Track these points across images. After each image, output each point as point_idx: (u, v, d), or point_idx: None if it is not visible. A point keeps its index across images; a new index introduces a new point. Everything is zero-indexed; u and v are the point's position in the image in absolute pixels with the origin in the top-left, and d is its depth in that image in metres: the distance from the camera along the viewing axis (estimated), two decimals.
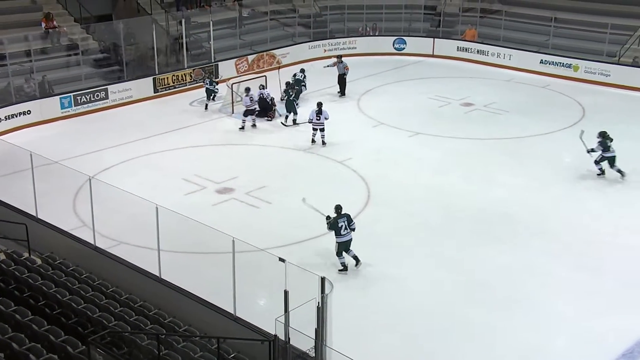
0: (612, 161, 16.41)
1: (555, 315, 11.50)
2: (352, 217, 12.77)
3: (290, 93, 20.89)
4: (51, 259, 11.82)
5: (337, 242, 12.62)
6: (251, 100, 20.20)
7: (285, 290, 9.01)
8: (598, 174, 16.64)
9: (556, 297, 12.05)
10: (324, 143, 18.80)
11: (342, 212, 12.62)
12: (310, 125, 18.86)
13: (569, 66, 24.88)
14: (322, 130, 18.75)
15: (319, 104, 18.73)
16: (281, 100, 21.65)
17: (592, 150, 16.45)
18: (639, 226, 14.50)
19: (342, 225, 12.54)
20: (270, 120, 20.92)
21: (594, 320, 11.43)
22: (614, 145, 16.34)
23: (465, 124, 20.60)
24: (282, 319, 9.04)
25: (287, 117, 20.68)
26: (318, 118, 18.63)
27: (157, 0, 26.01)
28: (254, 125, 20.25)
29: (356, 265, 12.77)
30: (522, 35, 26.98)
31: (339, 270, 12.71)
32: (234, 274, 9.96)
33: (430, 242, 13.94)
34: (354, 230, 12.67)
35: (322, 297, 8.84)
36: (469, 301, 11.94)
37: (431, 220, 14.81)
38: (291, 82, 21.84)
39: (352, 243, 12.67)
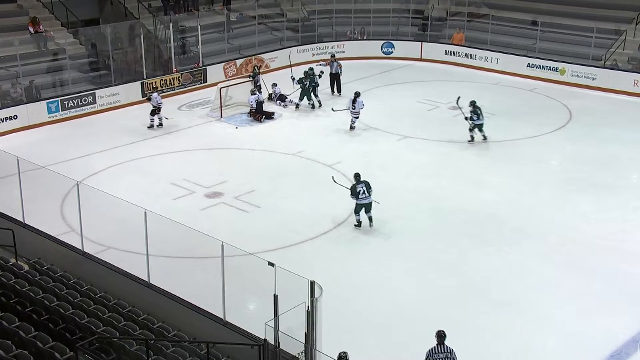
0: (480, 127, 18.98)
1: (544, 317, 11.54)
2: (370, 185, 14.42)
3: (305, 83, 21.96)
4: (39, 265, 11.72)
5: (356, 204, 14.38)
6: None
7: (274, 295, 9.00)
8: (469, 141, 19.06)
9: (545, 299, 12.09)
10: (351, 127, 20.04)
11: (361, 179, 14.39)
12: (349, 113, 20.21)
13: (556, 70, 25.05)
14: (356, 117, 20.00)
15: (356, 93, 19.93)
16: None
17: (470, 118, 18.86)
18: (628, 228, 14.59)
19: (360, 190, 14.32)
20: (273, 118, 21.27)
21: (582, 322, 11.49)
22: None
23: (453, 127, 20.64)
24: (272, 323, 9.01)
25: (312, 104, 22.11)
26: (354, 107, 19.82)
27: (144, 5, 25.93)
28: (160, 125, 20.46)
29: (370, 225, 14.43)
30: (509, 39, 27.12)
31: (355, 225, 14.46)
32: (223, 278, 9.92)
33: (420, 244, 13.96)
34: (370, 195, 14.32)
35: (312, 301, 8.82)
36: (459, 303, 11.96)
37: (421, 223, 14.84)
38: (308, 71, 22.55)
39: (371, 207, 14.37)
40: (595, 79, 24.19)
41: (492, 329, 11.29)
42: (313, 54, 27.69)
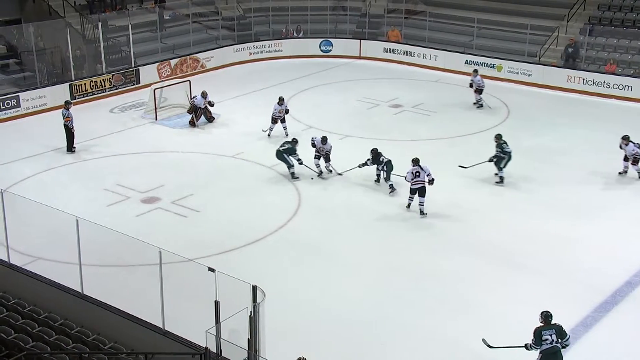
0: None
1: (500, 318, 11.44)
2: None
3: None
4: None
5: None
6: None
7: (215, 301, 8.68)
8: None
9: (499, 300, 12.02)
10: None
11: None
12: None
13: (493, 66, 25.36)
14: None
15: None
16: None
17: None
18: (567, 222, 14.73)
19: None
20: (213, 121, 20.49)
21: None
22: None
23: (394, 125, 20.60)
24: (213, 331, 8.73)
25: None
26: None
27: (70, 3, 24.90)
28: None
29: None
30: (447, 36, 27.36)
31: None
32: (162, 286, 9.53)
33: (368, 247, 13.73)
34: None
35: (254, 306, 8.56)
36: (414, 308, 11.73)
37: (366, 224, 14.63)
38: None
39: None
40: (531, 75, 24.63)
41: (450, 333, 11.06)
42: (250, 53, 27.27)
